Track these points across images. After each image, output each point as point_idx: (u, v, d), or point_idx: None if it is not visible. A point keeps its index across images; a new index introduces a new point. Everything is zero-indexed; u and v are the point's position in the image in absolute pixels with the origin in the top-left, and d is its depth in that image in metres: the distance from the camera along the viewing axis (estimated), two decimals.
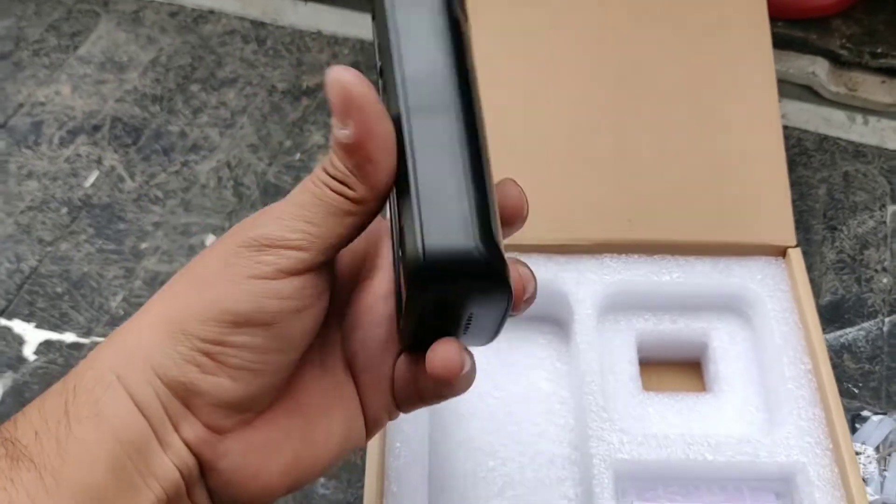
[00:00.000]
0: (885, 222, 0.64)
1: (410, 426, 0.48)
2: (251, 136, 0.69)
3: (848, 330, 0.58)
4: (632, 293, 0.54)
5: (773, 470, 0.48)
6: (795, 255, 0.54)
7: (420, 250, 0.26)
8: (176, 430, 0.29)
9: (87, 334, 0.58)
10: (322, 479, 0.52)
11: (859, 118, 0.71)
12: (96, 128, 0.70)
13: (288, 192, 0.31)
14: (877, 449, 0.53)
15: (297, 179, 0.67)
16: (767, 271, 0.54)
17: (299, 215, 0.28)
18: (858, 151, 0.68)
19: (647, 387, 0.53)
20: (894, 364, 0.57)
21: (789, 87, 0.72)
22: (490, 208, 0.27)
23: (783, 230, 0.55)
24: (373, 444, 0.47)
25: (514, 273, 0.30)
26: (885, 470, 0.52)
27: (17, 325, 0.59)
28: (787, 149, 0.58)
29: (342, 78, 0.27)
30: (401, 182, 0.28)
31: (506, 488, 0.49)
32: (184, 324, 0.28)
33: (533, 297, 0.32)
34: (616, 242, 0.54)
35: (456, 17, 0.29)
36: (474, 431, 0.51)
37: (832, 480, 0.47)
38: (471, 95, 0.28)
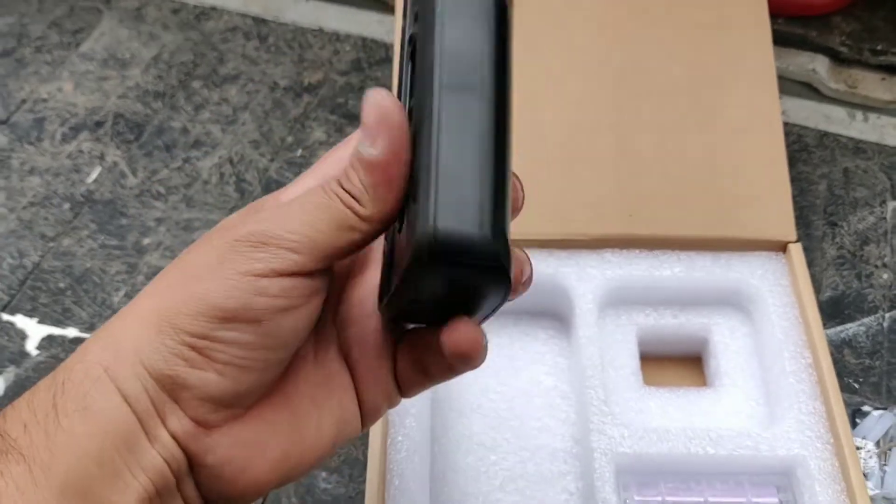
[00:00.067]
0: (885, 218, 0.64)
1: (412, 420, 0.48)
2: (253, 132, 0.70)
3: (848, 325, 0.59)
4: (633, 288, 0.54)
5: (774, 463, 0.48)
6: (796, 250, 0.54)
7: (431, 229, 0.25)
8: (163, 423, 0.28)
9: (89, 329, 0.58)
10: (324, 474, 0.52)
11: (859, 115, 0.71)
12: (98, 124, 0.70)
13: None
14: (877, 444, 0.53)
15: (299, 175, 0.67)
16: (768, 266, 0.54)
17: (302, 219, 0.28)
18: (858, 148, 0.68)
19: (647, 382, 0.53)
20: (894, 359, 0.57)
21: (789, 84, 0.72)
22: (506, 198, 0.27)
23: (784, 225, 0.55)
24: (375, 439, 0.47)
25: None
26: (885, 465, 0.52)
27: (20, 321, 0.59)
28: (788, 145, 0.58)
29: (382, 101, 0.28)
30: (422, 156, 0.27)
31: (507, 482, 0.49)
32: (172, 317, 0.28)
33: (529, 280, 0.32)
34: (617, 237, 0.55)
35: None
36: (476, 426, 0.51)
37: (833, 474, 0.47)
38: (506, 80, 0.28)
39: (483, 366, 0.53)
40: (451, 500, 0.48)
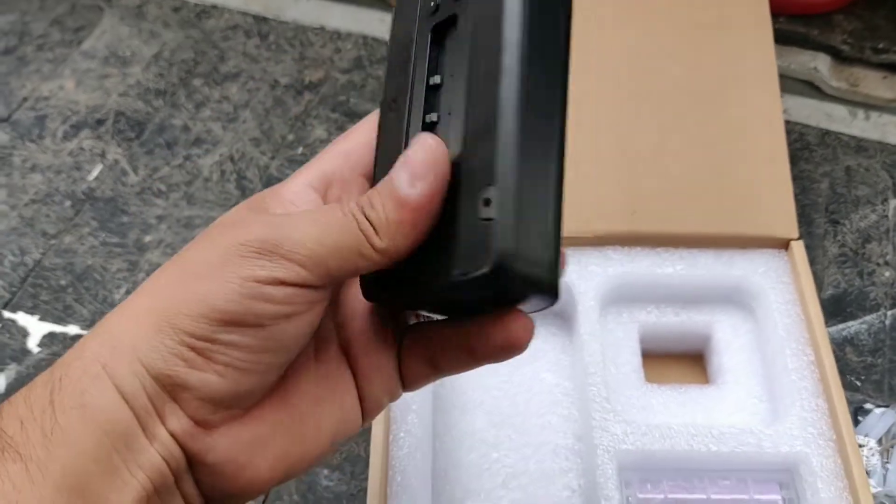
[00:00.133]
0: (887, 216, 0.64)
1: (414, 417, 0.48)
2: (254, 130, 0.70)
3: (850, 323, 0.58)
4: (635, 285, 0.54)
5: (777, 460, 0.48)
6: (798, 247, 0.54)
7: (513, 248, 0.25)
8: (162, 421, 0.28)
9: (90, 327, 0.58)
10: (325, 471, 0.52)
11: (861, 113, 0.71)
12: (100, 122, 0.70)
13: None
14: (879, 441, 0.53)
15: None
16: (770, 264, 0.54)
17: (314, 235, 0.28)
18: (860, 146, 0.68)
19: (649, 379, 0.53)
20: None
21: (791, 83, 0.72)
22: (562, 219, 0.27)
23: (786, 223, 0.55)
24: (377, 435, 0.47)
25: None
26: (887, 462, 0.52)
27: (21, 318, 0.59)
28: (789, 143, 0.58)
29: (434, 146, 0.28)
30: (492, 158, 0.26)
31: (510, 479, 0.49)
32: (172, 317, 0.28)
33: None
34: (619, 235, 0.55)
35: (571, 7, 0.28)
36: (478, 423, 0.51)
37: (835, 471, 0.47)
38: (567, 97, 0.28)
39: None
40: (453, 497, 0.48)
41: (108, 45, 0.76)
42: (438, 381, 0.52)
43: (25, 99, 0.71)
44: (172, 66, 0.74)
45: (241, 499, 0.31)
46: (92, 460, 0.27)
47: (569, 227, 0.55)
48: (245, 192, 0.65)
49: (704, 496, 0.47)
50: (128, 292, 0.60)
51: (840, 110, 0.71)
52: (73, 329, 0.58)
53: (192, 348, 0.28)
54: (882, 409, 0.54)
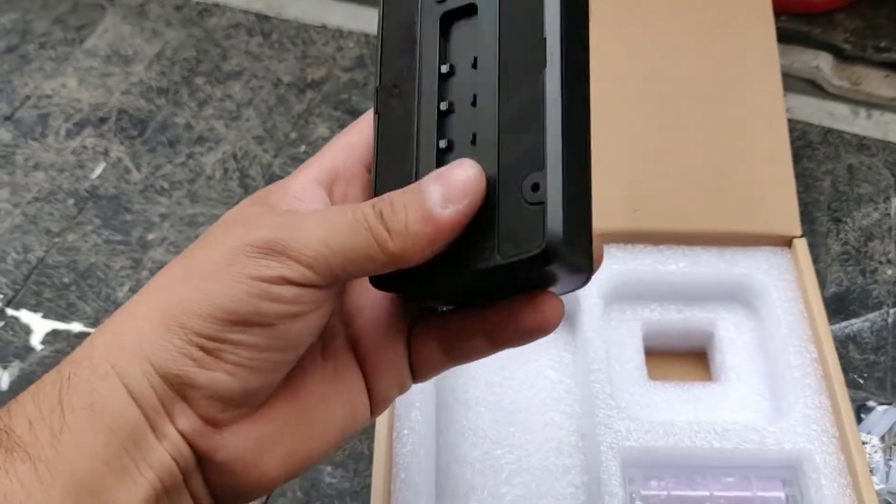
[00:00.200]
0: (889, 214, 0.64)
1: (418, 413, 0.48)
2: (257, 128, 0.70)
3: (853, 321, 0.59)
4: (638, 283, 0.54)
5: (780, 457, 0.48)
6: (801, 244, 0.54)
7: (561, 232, 0.26)
8: (171, 420, 0.28)
9: (94, 324, 0.58)
10: (329, 468, 0.52)
11: (863, 112, 0.71)
12: (102, 120, 0.70)
13: None
14: (882, 439, 0.53)
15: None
16: (773, 261, 0.54)
17: (321, 235, 0.28)
18: (862, 144, 0.68)
19: (653, 376, 0.53)
20: None
21: (793, 81, 0.72)
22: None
23: (788, 220, 0.55)
24: (381, 432, 0.47)
25: None
26: (890, 459, 0.52)
27: (25, 315, 0.59)
28: (792, 142, 0.58)
29: (476, 173, 0.28)
30: (538, 145, 0.27)
31: (513, 476, 0.49)
32: (180, 317, 0.28)
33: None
34: (622, 232, 0.55)
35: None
36: (481, 419, 0.51)
37: (838, 468, 0.47)
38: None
39: (487, 360, 0.54)
40: (456, 494, 0.48)
41: (111, 44, 0.76)
42: (441, 378, 0.52)
43: (28, 97, 0.72)
44: (175, 64, 0.74)
45: (250, 496, 0.31)
46: (101, 460, 0.27)
47: None
48: (248, 190, 0.65)
49: (708, 493, 0.47)
50: (131, 290, 0.60)
51: (842, 109, 0.71)
52: (76, 327, 0.58)
53: (202, 348, 0.28)
54: (885, 407, 0.54)
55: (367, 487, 0.51)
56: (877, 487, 0.51)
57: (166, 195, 0.65)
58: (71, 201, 0.65)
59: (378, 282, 0.31)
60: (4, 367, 0.56)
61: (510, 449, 0.50)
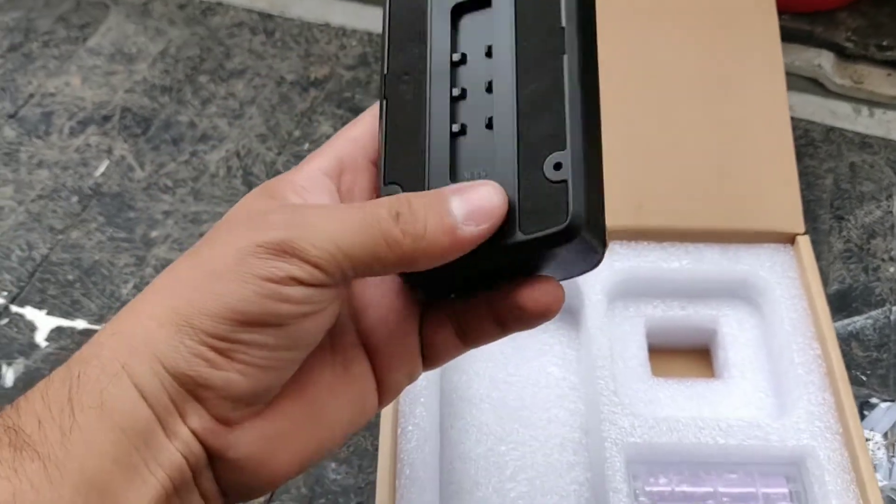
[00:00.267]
0: (891, 212, 0.64)
1: (422, 409, 0.49)
2: (260, 126, 0.70)
3: (856, 318, 0.59)
4: (641, 280, 0.54)
5: (784, 454, 0.48)
6: (804, 242, 0.54)
7: (584, 212, 0.28)
8: (183, 419, 0.28)
9: (98, 321, 0.58)
10: (333, 464, 0.52)
11: (865, 110, 0.71)
12: (106, 118, 0.70)
13: None
14: (885, 435, 0.53)
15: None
16: (776, 258, 0.55)
17: (333, 236, 0.28)
18: (865, 143, 0.68)
19: (656, 373, 0.53)
20: None
21: (795, 80, 0.72)
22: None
23: (791, 217, 0.55)
24: (385, 428, 0.47)
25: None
26: (893, 456, 0.52)
27: (29, 312, 0.59)
28: (794, 140, 0.58)
29: (502, 204, 0.29)
30: (567, 131, 0.29)
31: (518, 472, 0.49)
32: (191, 317, 0.28)
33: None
34: (625, 229, 0.55)
35: None
36: (485, 416, 0.51)
37: (842, 464, 0.47)
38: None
39: (491, 357, 0.54)
40: (461, 490, 0.48)
41: (114, 43, 0.76)
42: (445, 375, 0.52)
43: (32, 95, 0.72)
44: (178, 62, 0.74)
45: (260, 492, 0.31)
46: (111, 460, 0.27)
47: None
48: (252, 188, 0.65)
49: (712, 489, 0.47)
50: (135, 287, 0.60)
51: (844, 107, 0.71)
52: (80, 323, 0.58)
53: (214, 348, 0.28)
54: (888, 404, 0.55)
55: (371, 484, 0.51)
56: (880, 484, 0.51)
57: (170, 193, 0.65)
58: (75, 199, 0.65)
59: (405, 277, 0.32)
60: (9, 364, 0.56)
61: (514, 445, 0.50)
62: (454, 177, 0.31)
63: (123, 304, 0.59)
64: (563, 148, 0.29)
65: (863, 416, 0.54)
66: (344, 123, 0.69)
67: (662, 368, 0.54)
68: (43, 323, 0.58)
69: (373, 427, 0.52)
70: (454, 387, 0.52)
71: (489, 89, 0.31)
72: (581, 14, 0.30)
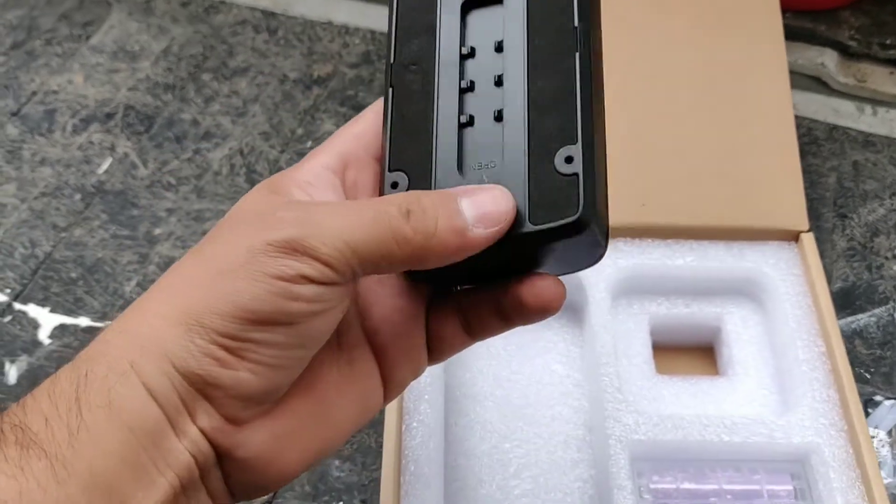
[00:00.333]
0: (895, 210, 0.64)
1: (427, 406, 0.48)
2: (263, 124, 0.70)
3: (859, 316, 0.59)
4: (645, 277, 0.54)
5: (789, 451, 0.48)
6: (808, 239, 0.54)
7: (593, 207, 0.29)
8: (192, 419, 0.28)
9: (101, 319, 0.58)
10: (337, 462, 0.52)
11: (868, 109, 0.71)
12: (109, 116, 0.70)
13: None
14: (889, 433, 0.53)
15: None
16: (780, 255, 0.55)
17: (343, 233, 0.28)
18: (868, 141, 0.68)
19: (660, 371, 0.53)
20: None
21: (798, 78, 0.72)
22: None
23: (796, 215, 0.55)
24: (390, 425, 0.47)
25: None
26: None
27: (32, 310, 0.59)
28: (797, 138, 0.58)
29: (511, 210, 0.30)
30: (577, 125, 0.29)
31: (522, 470, 0.49)
32: (201, 316, 0.28)
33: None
34: (630, 226, 0.55)
35: None
36: (489, 414, 0.51)
37: (847, 461, 0.47)
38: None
39: (495, 354, 0.54)
40: (465, 487, 0.48)
41: (117, 40, 0.76)
42: (450, 372, 0.52)
43: (34, 93, 0.72)
44: (181, 60, 0.74)
45: (267, 490, 0.31)
46: (119, 460, 0.26)
47: None
48: (254, 186, 0.65)
49: (716, 486, 0.47)
50: (138, 284, 0.60)
51: (847, 106, 0.71)
52: (83, 321, 0.58)
53: (224, 347, 0.28)
54: (892, 402, 0.54)
55: (375, 481, 0.51)
56: (884, 482, 0.51)
57: (173, 190, 0.65)
58: (78, 196, 0.65)
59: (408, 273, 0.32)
60: (12, 362, 0.56)
61: (518, 443, 0.50)
62: (461, 166, 0.31)
63: (127, 301, 0.59)
64: (575, 142, 0.29)
65: (867, 414, 0.54)
66: (346, 121, 0.69)
67: (667, 366, 0.54)
68: (46, 320, 0.58)
69: (376, 424, 0.52)
70: (458, 384, 0.52)
71: (498, 83, 0.31)
72: (592, 13, 0.31)
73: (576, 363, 0.53)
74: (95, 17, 0.77)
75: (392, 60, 0.33)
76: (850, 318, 0.58)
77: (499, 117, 0.31)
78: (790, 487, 0.48)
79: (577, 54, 0.30)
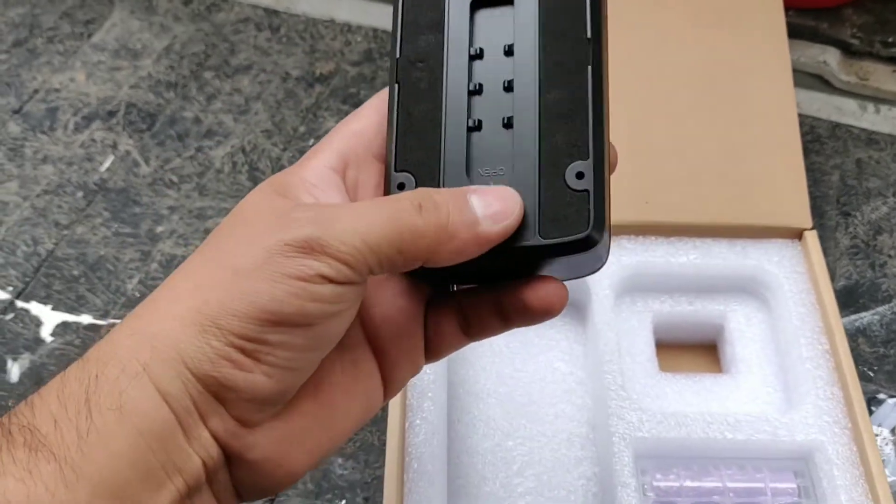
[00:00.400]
0: None
1: (430, 404, 0.48)
2: (265, 121, 0.70)
3: (863, 314, 0.59)
4: (649, 275, 0.54)
5: (792, 448, 0.48)
6: (811, 237, 0.54)
7: (602, 220, 0.29)
8: (204, 422, 0.28)
9: (103, 317, 0.58)
10: (340, 460, 0.52)
11: (871, 107, 0.71)
12: (111, 113, 0.70)
13: None
14: (892, 431, 0.53)
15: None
16: (784, 253, 0.54)
17: (360, 232, 0.28)
18: (871, 139, 0.68)
19: (663, 368, 0.53)
20: None
21: (801, 76, 0.72)
22: None
23: (799, 212, 0.55)
24: (393, 422, 0.47)
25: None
26: None
27: (35, 307, 0.59)
28: (800, 136, 0.58)
29: (519, 211, 0.30)
30: (590, 142, 0.30)
31: (525, 467, 0.49)
32: (217, 317, 0.27)
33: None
34: (633, 224, 0.55)
35: None
36: (492, 411, 0.51)
37: (851, 459, 0.47)
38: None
39: (498, 352, 0.54)
40: (468, 484, 0.48)
41: (119, 38, 0.76)
42: (453, 370, 0.52)
43: (36, 91, 0.72)
44: (183, 58, 0.74)
45: (274, 491, 0.31)
46: (128, 464, 0.26)
47: None
48: (257, 184, 0.64)
49: (720, 484, 0.47)
50: (140, 282, 0.60)
51: (850, 104, 0.71)
52: (86, 319, 0.58)
53: (240, 349, 0.27)
54: (895, 399, 0.54)
55: (378, 479, 0.51)
56: (888, 480, 0.51)
57: (175, 188, 0.65)
58: (80, 194, 0.65)
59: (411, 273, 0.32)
60: (14, 359, 0.56)
61: (522, 441, 0.50)
62: (469, 171, 0.31)
63: (129, 299, 0.59)
64: (586, 158, 0.29)
65: (870, 412, 0.54)
66: None
67: (670, 363, 0.54)
68: (48, 318, 0.58)
69: (379, 422, 0.52)
70: (461, 381, 0.52)
71: (508, 88, 0.31)
72: (602, 25, 0.31)
73: (579, 361, 0.53)
74: (97, 15, 0.77)
75: (398, 55, 0.32)
76: (853, 316, 0.58)
77: (508, 124, 0.31)
78: (794, 485, 0.48)
79: (590, 68, 0.30)
